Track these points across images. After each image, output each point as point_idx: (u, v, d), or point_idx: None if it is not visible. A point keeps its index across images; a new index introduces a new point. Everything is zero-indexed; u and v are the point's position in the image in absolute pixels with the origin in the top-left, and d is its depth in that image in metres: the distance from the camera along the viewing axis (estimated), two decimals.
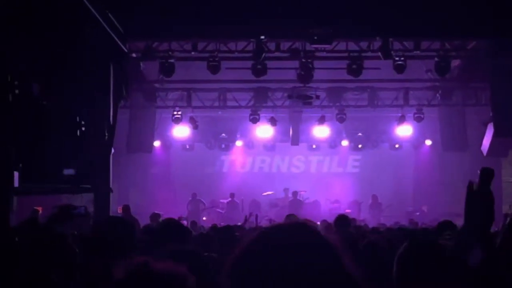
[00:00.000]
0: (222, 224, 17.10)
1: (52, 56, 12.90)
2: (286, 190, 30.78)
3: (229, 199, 30.15)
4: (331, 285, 2.22)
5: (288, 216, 12.75)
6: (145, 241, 7.81)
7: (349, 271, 2.27)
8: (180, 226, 7.20)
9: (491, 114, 23.24)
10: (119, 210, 23.46)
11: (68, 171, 14.09)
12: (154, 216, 19.20)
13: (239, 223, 17.47)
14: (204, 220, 28.15)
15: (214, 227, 13.93)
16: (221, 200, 30.39)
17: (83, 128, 14.83)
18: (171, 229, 6.93)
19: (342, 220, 12.26)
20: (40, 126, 11.94)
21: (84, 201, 16.03)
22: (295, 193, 30.20)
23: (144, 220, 18.58)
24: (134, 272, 3.02)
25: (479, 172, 4.40)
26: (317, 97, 25.30)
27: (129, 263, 3.07)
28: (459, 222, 16.49)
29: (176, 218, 19.25)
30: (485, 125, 24.29)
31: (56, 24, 13.00)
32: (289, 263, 2.21)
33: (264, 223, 20.42)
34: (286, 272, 2.19)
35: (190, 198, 29.76)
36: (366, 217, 27.50)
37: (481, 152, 24.84)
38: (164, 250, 5.43)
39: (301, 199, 30.03)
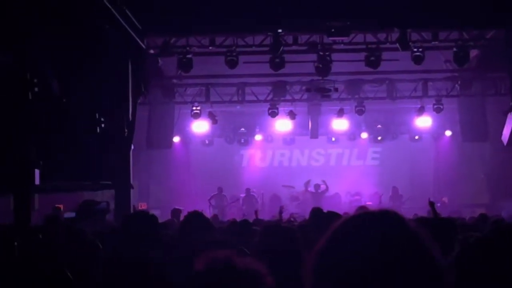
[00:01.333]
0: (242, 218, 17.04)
1: (71, 53, 12.96)
2: (306, 183, 30.70)
3: (245, 194, 30.22)
4: (421, 277, 2.18)
5: (314, 208, 12.66)
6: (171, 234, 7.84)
7: (438, 263, 2.23)
8: (205, 219, 7.25)
9: (511, 104, 23.10)
10: (140, 206, 23.53)
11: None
12: (175, 212, 19.20)
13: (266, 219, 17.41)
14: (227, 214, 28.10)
15: (233, 222, 13.90)
16: (241, 195, 30.43)
17: (103, 125, 14.90)
18: (197, 221, 6.97)
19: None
20: (60, 123, 12.01)
21: (105, 197, 16.11)
22: (316, 186, 30.17)
23: (165, 216, 18.64)
24: (216, 266, 3.01)
25: None
26: (336, 89, 25.26)
27: (210, 256, 3.07)
28: (480, 212, 16.29)
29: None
30: (505, 115, 24.15)
31: (75, 21, 13.05)
32: (379, 253, 2.15)
33: (285, 217, 20.38)
34: (375, 262, 2.14)
35: (215, 192, 29.78)
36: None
37: (502, 142, 24.71)
38: (192, 241, 5.46)
39: (319, 191, 29.98)
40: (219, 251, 3.08)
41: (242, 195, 30.34)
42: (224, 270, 2.98)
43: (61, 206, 20.35)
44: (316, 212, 11.62)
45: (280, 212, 14.05)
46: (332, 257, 2.22)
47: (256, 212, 18.29)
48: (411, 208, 25.48)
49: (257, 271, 3.01)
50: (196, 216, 7.14)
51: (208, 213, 25.18)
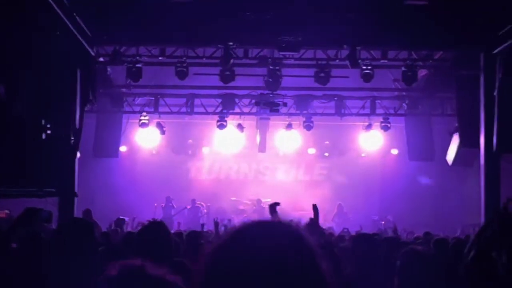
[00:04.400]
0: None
1: (19, 59, 12.81)
2: (254, 200, 30.74)
3: (190, 205, 30.15)
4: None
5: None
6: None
7: (326, 278, 2.25)
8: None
9: (456, 124, 23.40)
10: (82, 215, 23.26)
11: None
12: (119, 221, 19.09)
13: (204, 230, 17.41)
14: (178, 224, 27.88)
15: (179, 233, 13.85)
16: (187, 206, 30.31)
17: (49, 132, 14.73)
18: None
19: (313, 227, 12.10)
20: (4, 128, 11.85)
21: (48, 204, 15.92)
22: (259, 201, 30.21)
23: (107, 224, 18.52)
24: (129, 272, 2.97)
25: None
26: (285, 104, 25.30)
27: (124, 263, 3.03)
28: (423, 230, 16.32)
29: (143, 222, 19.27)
30: (451, 135, 24.45)
31: (24, 26, 12.92)
32: (265, 264, 2.18)
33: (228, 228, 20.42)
34: (261, 273, 2.16)
35: (164, 202, 29.57)
36: (332, 226, 27.51)
37: (447, 162, 25.00)
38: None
39: (265, 206, 29.99)
40: (134, 259, 3.05)
41: (188, 206, 30.24)
42: (136, 277, 2.95)
43: (4, 213, 20.06)
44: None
45: (216, 225, 14.08)
46: (225, 257, 2.25)
47: (202, 225, 18.36)
48: (356, 225, 25.65)
49: (170, 281, 2.99)
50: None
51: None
